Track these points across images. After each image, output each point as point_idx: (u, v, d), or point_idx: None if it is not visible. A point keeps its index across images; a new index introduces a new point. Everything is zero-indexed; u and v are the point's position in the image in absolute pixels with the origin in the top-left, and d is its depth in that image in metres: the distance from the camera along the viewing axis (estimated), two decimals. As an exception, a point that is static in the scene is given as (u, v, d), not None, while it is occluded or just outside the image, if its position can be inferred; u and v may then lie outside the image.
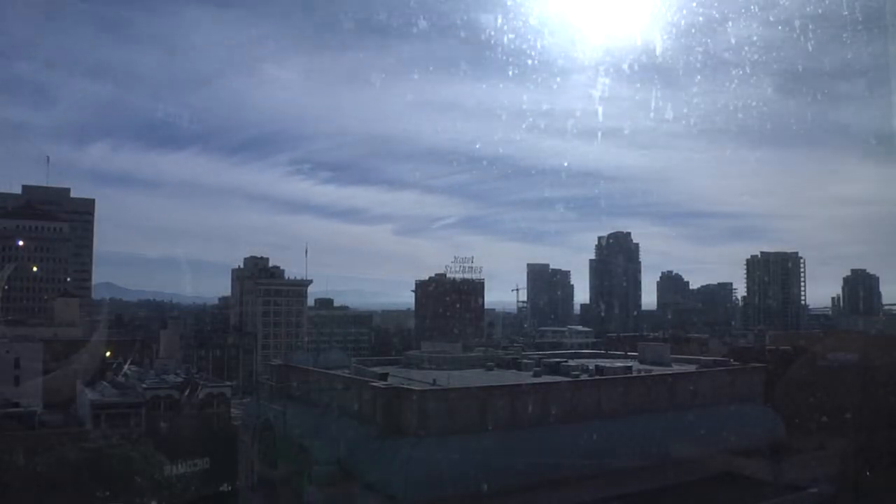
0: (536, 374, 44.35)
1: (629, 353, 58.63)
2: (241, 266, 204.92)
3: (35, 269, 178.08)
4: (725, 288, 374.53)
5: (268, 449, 39.65)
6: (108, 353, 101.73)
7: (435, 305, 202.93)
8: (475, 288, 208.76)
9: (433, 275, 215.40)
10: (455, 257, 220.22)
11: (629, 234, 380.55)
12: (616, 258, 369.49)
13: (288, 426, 37.26)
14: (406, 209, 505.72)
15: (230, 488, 60.07)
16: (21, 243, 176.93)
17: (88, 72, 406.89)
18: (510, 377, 44.18)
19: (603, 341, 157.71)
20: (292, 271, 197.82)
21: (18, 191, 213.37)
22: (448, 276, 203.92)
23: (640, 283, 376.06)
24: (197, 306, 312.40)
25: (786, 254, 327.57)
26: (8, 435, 65.05)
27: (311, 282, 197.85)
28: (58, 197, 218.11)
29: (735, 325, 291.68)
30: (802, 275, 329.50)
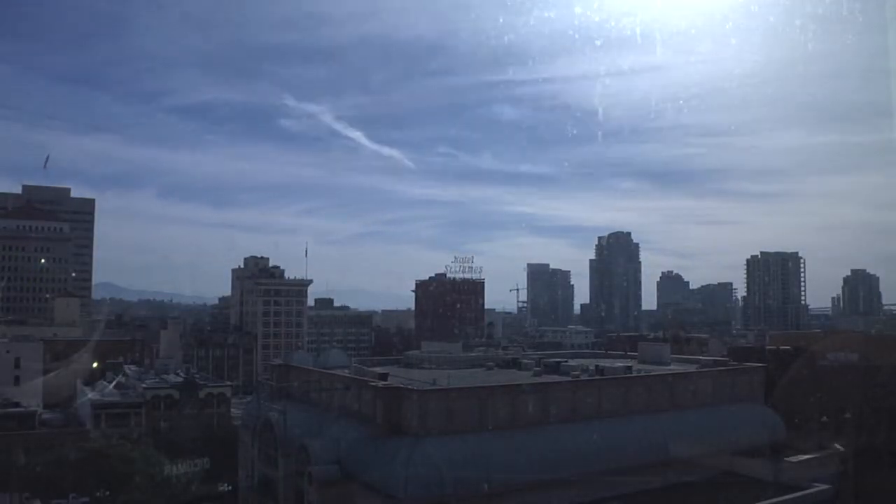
0: (536, 374, 44.37)
1: (629, 353, 58.63)
2: (242, 266, 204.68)
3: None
4: (725, 288, 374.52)
5: (268, 449, 39.64)
6: (108, 353, 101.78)
7: (435, 305, 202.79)
8: (475, 288, 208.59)
9: (433, 274, 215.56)
10: (455, 257, 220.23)
11: (629, 234, 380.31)
12: (616, 258, 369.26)
13: (288, 426, 37.25)
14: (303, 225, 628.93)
15: (230, 488, 60.12)
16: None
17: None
18: (510, 377, 44.18)
19: (603, 341, 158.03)
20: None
21: (18, 191, 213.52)
22: (448, 276, 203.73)
23: (640, 283, 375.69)
24: (197, 306, 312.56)
25: (786, 254, 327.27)
26: (8, 435, 64.99)
27: (311, 282, 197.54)
28: (58, 197, 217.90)
29: (735, 325, 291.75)
30: (802, 275, 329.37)
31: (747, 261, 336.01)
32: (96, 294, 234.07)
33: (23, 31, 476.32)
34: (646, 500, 33.06)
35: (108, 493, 58.06)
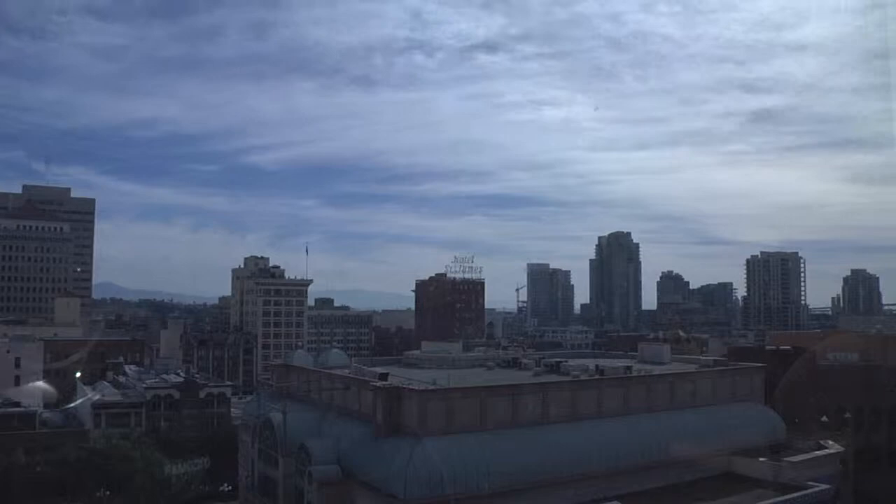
0: (537, 374, 44.35)
1: (629, 353, 58.62)
2: (242, 266, 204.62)
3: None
4: (725, 288, 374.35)
5: (268, 449, 39.63)
6: (108, 353, 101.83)
7: (435, 305, 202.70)
8: (475, 288, 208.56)
9: (433, 274, 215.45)
10: (455, 257, 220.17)
11: (629, 234, 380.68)
12: (616, 258, 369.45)
13: (288, 426, 37.24)
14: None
15: (230, 488, 60.14)
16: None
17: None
18: (510, 377, 44.14)
19: (603, 341, 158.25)
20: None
21: (18, 191, 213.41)
22: (448, 276, 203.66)
23: (640, 282, 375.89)
24: (197, 306, 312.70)
25: (786, 254, 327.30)
26: (8, 435, 64.99)
27: (311, 281, 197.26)
28: (58, 197, 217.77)
29: (735, 325, 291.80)
30: (802, 275, 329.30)
31: (747, 261, 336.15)
32: (96, 294, 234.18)
33: None
34: (646, 500, 33.07)
35: (108, 493, 58.07)
